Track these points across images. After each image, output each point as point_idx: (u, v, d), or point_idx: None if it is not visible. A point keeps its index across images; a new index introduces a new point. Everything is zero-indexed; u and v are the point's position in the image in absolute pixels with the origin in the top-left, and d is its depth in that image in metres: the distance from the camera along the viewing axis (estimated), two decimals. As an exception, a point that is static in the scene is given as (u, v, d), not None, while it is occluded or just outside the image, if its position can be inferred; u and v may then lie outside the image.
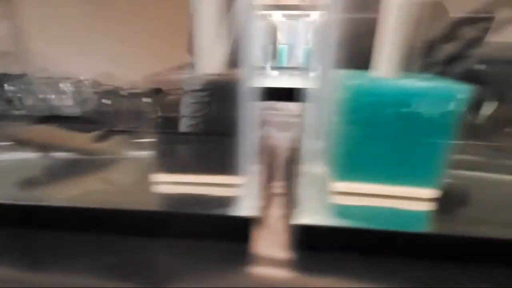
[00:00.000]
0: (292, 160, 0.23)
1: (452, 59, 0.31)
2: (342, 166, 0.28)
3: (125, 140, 0.41)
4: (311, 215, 0.26)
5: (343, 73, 0.29)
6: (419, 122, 0.25)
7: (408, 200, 0.28)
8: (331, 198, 0.30)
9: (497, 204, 0.30)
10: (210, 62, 0.29)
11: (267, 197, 0.29)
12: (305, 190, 0.26)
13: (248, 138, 0.24)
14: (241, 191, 0.28)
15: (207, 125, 0.25)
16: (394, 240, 0.24)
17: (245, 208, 0.26)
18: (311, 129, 0.21)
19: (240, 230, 0.26)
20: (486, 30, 0.30)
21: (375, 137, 0.26)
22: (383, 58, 0.27)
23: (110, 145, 0.40)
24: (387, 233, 0.24)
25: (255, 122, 0.24)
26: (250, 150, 0.25)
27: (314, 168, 0.30)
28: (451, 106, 0.24)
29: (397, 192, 0.29)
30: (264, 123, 0.35)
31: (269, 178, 0.32)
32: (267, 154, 0.32)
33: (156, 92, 0.34)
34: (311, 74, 0.29)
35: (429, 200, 0.28)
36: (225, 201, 0.28)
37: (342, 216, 0.29)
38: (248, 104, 0.23)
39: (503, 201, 0.31)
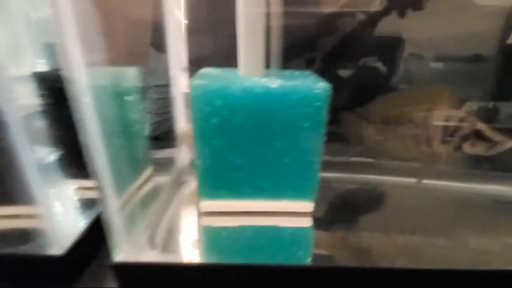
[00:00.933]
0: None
1: (331, 54, 0.29)
2: (206, 182, 0.24)
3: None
4: (138, 251, 0.20)
5: (200, 72, 0.25)
6: (280, 127, 0.22)
7: (283, 216, 0.25)
8: (200, 220, 0.25)
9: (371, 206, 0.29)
10: None
11: (88, 228, 0.23)
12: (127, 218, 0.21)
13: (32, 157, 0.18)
14: (46, 223, 0.21)
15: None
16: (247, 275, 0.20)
17: (53, 245, 0.20)
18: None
19: (47, 272, 0.19)
20: (364, 24, 0.29)
21: (234, 146, 0.22)
22: (245, 55, 0.24)
23: None
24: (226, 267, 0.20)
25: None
26: (40, 170, 0.19)
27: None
28: (312, 106, 0.21)
29: (270, 207, 0.25)
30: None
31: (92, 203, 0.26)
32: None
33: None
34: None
35: (307, 214, 0.26)
36: (30, 237, 0.21)
37: (209, 242, 0.24)
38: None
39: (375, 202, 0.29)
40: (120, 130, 0.21)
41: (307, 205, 0.25)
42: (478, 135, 0.25)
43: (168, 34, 0.29)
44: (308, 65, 0.30)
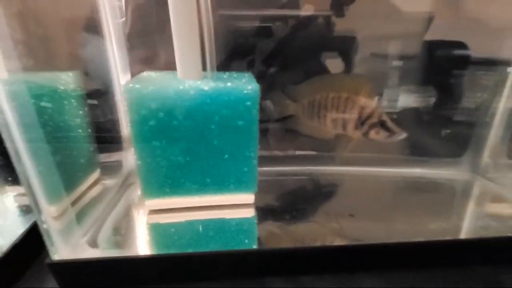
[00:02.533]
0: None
1: (269, 56, 0.31)
2: (149, 181, 0.25)
3: None
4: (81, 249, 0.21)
5: (138, 76, 0.26)
6: (216, 126, 0.23)
7: (228, 209, 0.27)
8: (147, 218, 0.26)
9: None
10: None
11: (26, 232, 0.23)
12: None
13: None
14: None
15: None
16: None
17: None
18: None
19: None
20: (298, 26, 0.31)
21: (174, 145, 0.24)
22: (182, 60, 0.25)
23: None
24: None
25: None
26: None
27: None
28: (243, 106, 0.23)
29: (214, 201, 0.26)
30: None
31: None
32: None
33: None
34: None
35: (249, 205, 0.28)
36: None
37: (158, 237, 0.25)
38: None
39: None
40: (54, 136, 0.22)
41: (249, 197, 0.27)
42: (382, 125, 0.29)
43: (106, 36, 0.29)
44: (249, 66, 0.32)
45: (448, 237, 0.25)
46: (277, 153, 0.36)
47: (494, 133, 0.33)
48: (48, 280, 0.21)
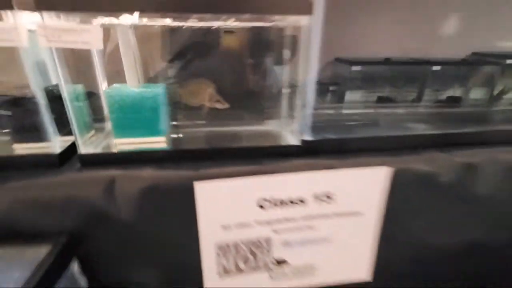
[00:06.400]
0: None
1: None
2: (115, 129, 0.57)
3: None
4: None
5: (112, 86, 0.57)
6: (144, 106, 0.56)
7: (151, 143, 0.59)
8: (115, 147, 0.58)
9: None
10: None
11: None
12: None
13: None
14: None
15: None
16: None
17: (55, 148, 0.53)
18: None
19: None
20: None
21: (125, 113, 0.56)
22: (129, 78, 0.56)
23: None
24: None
25: None
26: None
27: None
28: (155, 98, 0.55)
29: (145, 140, 0.59)
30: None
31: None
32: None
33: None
34: None
35: (162, 142, 0.60)
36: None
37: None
38: None
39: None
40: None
41: (163, 139, 0.59)
42: (218, 101, 0.63)
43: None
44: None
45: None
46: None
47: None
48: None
